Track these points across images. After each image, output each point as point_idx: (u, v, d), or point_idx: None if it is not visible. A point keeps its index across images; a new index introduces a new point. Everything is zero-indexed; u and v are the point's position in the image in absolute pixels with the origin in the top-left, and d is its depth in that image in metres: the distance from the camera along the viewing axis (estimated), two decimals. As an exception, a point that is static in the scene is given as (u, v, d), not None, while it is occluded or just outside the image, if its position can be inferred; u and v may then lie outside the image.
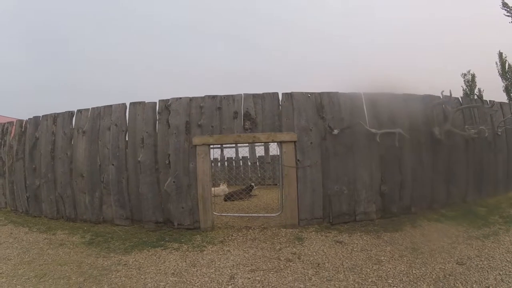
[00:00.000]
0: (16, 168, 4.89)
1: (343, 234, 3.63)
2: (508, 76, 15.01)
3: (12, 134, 5.04)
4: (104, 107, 4.34)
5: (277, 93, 4.04)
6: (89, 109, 4.43)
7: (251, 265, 2.90)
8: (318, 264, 2.87)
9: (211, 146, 4.10)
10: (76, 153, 4.40)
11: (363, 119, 4.09)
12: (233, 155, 8.62)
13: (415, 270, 2.63)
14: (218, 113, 3.99)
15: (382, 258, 2.93)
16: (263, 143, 6.93)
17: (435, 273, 2.57)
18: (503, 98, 14.54)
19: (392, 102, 4.29)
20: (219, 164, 8.86)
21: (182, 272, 2.78)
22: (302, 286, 2.47)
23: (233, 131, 3.94)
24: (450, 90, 4.26)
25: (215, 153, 8.50)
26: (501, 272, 2.51)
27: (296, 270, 2.75)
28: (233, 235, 3.75)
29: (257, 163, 8.66)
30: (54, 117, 4.59)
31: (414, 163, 4.27)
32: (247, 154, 8.79)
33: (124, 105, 4.25)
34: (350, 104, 4.13)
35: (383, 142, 4.06)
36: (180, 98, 4.07)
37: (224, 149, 8.38)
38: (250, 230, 3.91)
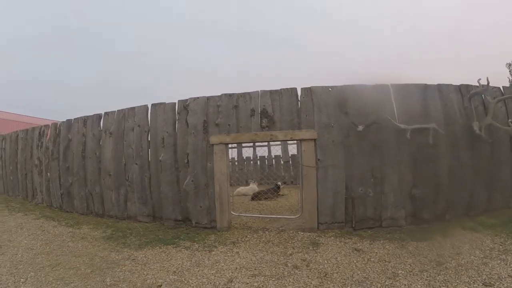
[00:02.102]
0: (51, 167, 5.50)
1: (364, 241, 3.42)
2: None
3: (48, 136, 5.67)
4: (128, 109, 4.68)
5: (295, 89, 3.98)
6: (115, 111, 4.82)
7: (255, 269, 2.85)
8: (326, 274, 2.71)
9: (230, 145, 4.19)
10: (104, 153, 4.80)
11: (392, 114, 3.83)
12: (266, 154, 8.77)
13: None
14: (234, 112, 4.05)
15: (400, 272, 2.69)
16: (281, 142, 6.88)
17: None
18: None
19: (425, 93, 3.98)
20: (251, 162, 9.03)
21: (184, 271, 2.86)
22: None
23: (250, 130, 3.98)
24: (487, 78, 3.80)
25: (247, 152, 8.73)
26: (531, 300, 2.15)
27: (299, 279, 2.63)
28: (248, 236, 3.76)
29: (290, 161, 8.64)
30: (84, 119, 5.07)
31: (451, 162, 3.90)
32: (279, 153, 8.88)
33: (146, 106, 4.53)
34: (376, 97, 3.90)
35: (414, 139, 3.76)
36: (198, 97, 4.22)
37: (256, 148, 8.55)
38: (266, 232, 3.89)
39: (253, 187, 6.92)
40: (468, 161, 3.96)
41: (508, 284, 2.36)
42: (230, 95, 4.11)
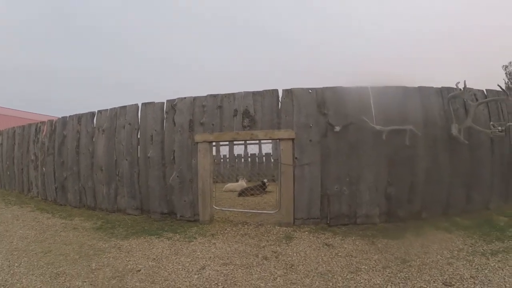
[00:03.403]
0: (47, 162, 5.87)
1: (336, 237, 3.66)
2: None
3: (44, 132, 6.04)
4: (120, 107, 5.02)
5: (276, 90, 4.28)
6: (107, 109, 5.16)
7: (227, 259, 3.12)
8: (292, 266, 2.93)
9: (213, 143, 4.50)
10: (96, 149, 5.15)
11: (370, 115, 4.10)
12: (257, 152, 9.11)
13: (390, 286, 2.49)
14: (219, 112, 4.36)
15: (363, 267, 2.87)
16: (260, 140, 7.19)
17: None
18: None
19: (404, 96, 4.22)
20: (242, 160, 9.39)
21: (162, 259, 3.16)
22: (263, 285, 2.58)
23: (232, 129, 4.28)
24: (464, 81, 4.04)
25: (239, 149, 9.09)
26: (491, 302, 2.20)
27: (266, 269, 2.87)
28: (227, 229, 4.06)
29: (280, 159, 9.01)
30: (79, 117, 5.43)
31: (428, 164, 4.14)
32: (270, 151, 9.20)
33: (136, 105, 4.87)
34: (355, 99, 4.17)
35: (392, 140, 4.02)
36: (185, 98, 4.54)
37: (248, 146, 8.91)
38: (245, 225, 4.19)
39: (241, 184, 7.26)
40: (446, 163, 4.19)
41: (469, 285, 2.44)
42: (215, 96, 4.42)
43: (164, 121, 4.62)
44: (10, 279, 2.75)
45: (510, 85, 15.39)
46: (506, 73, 16.15)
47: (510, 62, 16.14)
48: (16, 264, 3.08)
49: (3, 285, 2.65)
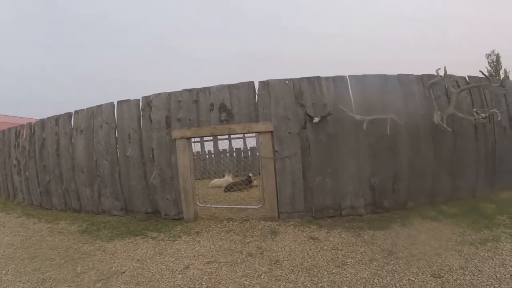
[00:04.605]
0: (29, 167, 5.87)
1: (321, 230, 3.68)
2: None
3: (24, 136, 6.01)
4: (96, 106, 4.96)
5: (252, 82, 4.20)
6: (84, 109, 5.10)
7: (211, 257, 3.15)
8: (277, 261, 2.95)
9: (193, 139, 4.47)
10: (76, 150, 5.13)
11: (349, 105, 4.04)
12: (242, 146, 9.07)
13: (377, 279, 2.47)
14: (195, 106, 4.30)
15: (349, 260, 2.87)
16: (244, 134, 7.15)
17: (400, 285, 2.37)
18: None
19: (384, 84, 4.15)
20: (227, 155, 9.37)
21: (147, 259, 3.21)
22: (247, 283, 2.59)
23: (210, 123, 4.24)
24: (444, 67, 3.93)
25: (223, 144, 9.06)
26: (481, 293, 2.20)
27: (251, 266, 2.89)
28: (212, 226, 4.10)
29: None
30: (56, 118, 5.38)
31: (411, 152, 4.12)
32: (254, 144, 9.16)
33: (112, 103, 4.81)
34: (333, 89, 4.10)
35: (373, 130, 3.99)
36: (160, 93, 4.47)
37: (232, 140, 8.84)
38: (231, 221, 4.22)
39: (227, 179, 7.30)
40: (430, 151, 4.18)
41: (458, 276, 2.42)
42: (190, 90, 4.34)
43: (141, 118, 4.57)
44: (-3, 287, 2.81)
45: (492, 73, 15.63)
46: (488, 62, 16.45)
47: (492, 51, 16.50)
48: (3, 271, 3.14)
49: (-9, 294, 2.72)
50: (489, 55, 16.76)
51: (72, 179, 5.22)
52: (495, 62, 16.55)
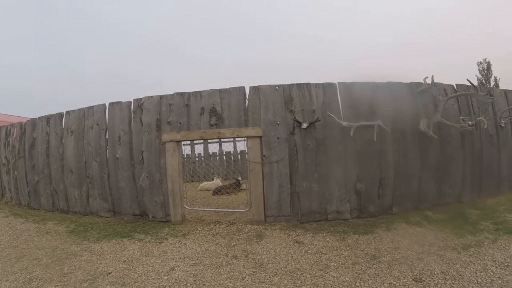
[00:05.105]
0: (18, 166, 5.87)
1: (307, 234, 3.75)
2: None
3: (14, 135, 6.02)
4: (88, 107, 5.01)
5: (243, 88, 4.29)
6: (76, 110, 5.14)
7: (197, 259, 3.22)
8: (261, 264, 3.02)
9: (183, 142, 4.54)
10: (66, 151, 5.16)
11: (337, 111, 4.16)
12: (232, 149, 9.18)
13: (359, 283, 2.54)
14: (186, 110, 4.38)
15: (332, 264, 2.94)
16: (235, 138, 7.24)
17: None
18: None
19: (373, 91, 4.27)
20: (217, 158, 9.45)
21: (133, 261, 3.25)
22: (231, 285, 2.65)
23: (200, 127, 4.31)
24: (432, 76, 4.09)
25: (214, 148, 9.15)
26: (461, 298, 2.26)
27: (235, 268, 2.96)
28: (199, 229, 4.14)
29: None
30: (48, 118, 5.41)
31: (397, 159, 4.23)
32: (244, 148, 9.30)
33: (104, 105, 4.86)
34: (322, 95, 4.22)
35: (361, 136, 4.10)
36: (152, 96, 4.54)
37: (222, 143, 8.95)
38: (217, 224, 4.27)
39: (216, 182, 7.36)
40: (416, 157, 4.30)
41: (439, 280, 2.48)
42: (181, 94, 4.43)
43: (132, 120, 4.63)
44: (-16, 287, 2.81)
45: (482, 81, 16.07)
46: (479, 70, 16.85)
47: (484, 59, 17.06)
48: (-10, 270, 3.13)
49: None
50: (480, 63, 17.22)
51: (61, 179, 5.24)
52: (486, 70, 16.94)
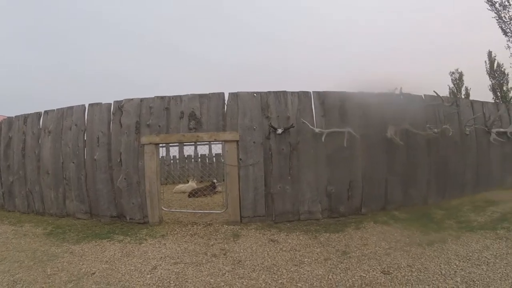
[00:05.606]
0: (-8, 166, 5.74)
1: (281, 233, 3.98)
2: (496, 75, 15.98)
3: (-11, 134, 5.88)
4: (67, 108, 5.02)
5: (223, 93, 4.49)
6: (54, 110, 5.14)
7: (177, 258, 3.35)
8: (240, 261, 3.18)
9: (160, 145, 4.66)
10: (43, 151, 5.14)
11: (311, 118, 4.44)
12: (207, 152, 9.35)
13: (332, 276, 2.75)
14: (165, 113, 4.52)
15: (306, 260, 3.15)
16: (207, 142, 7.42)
17: (352, 281, 2.64)
18: (489, 97, 15.79)
19: (346, 100, 4.59)
20: (192, 160, 9.58)
21: (115, 261, 3.34)
22: (212, 281, 2.80)
23: (178, 131, 4.46)
24: (401, 87, 4.46)
25: (189, 150, 9.29)
26: (427, 287, 2.48)
27: (215, 266, 3.11)
28: (177, 230, 4.28)
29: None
30: (25, 117, 5.37)
31: (366, 163, 4.55)
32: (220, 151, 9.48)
33: (83, 106, 4.90)
34: (297, 103, 4.48)
35: (331, 142, 4.39)
36: (132, 99, 4.64)
37: (198, 146, 9.12)
38: (195, 225, 4.42)
39: (191, 185, 7.48)
40: (383, 162, 4.64)
41: (406, 272, 2.72)
42: (162, 98, 4.56)
43: (111, 122, 4.70)
44: (-33, 292, 2.80)
45: (454, 91, 17.01)
46: (452, 79, 18.02)
47: (456, 69, 18.11)
48: (-28, 275, 3.11)
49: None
50: (453, 73, 18.14)
51: (36, 181, 5.21)
52: (458, 80, 17.90)
